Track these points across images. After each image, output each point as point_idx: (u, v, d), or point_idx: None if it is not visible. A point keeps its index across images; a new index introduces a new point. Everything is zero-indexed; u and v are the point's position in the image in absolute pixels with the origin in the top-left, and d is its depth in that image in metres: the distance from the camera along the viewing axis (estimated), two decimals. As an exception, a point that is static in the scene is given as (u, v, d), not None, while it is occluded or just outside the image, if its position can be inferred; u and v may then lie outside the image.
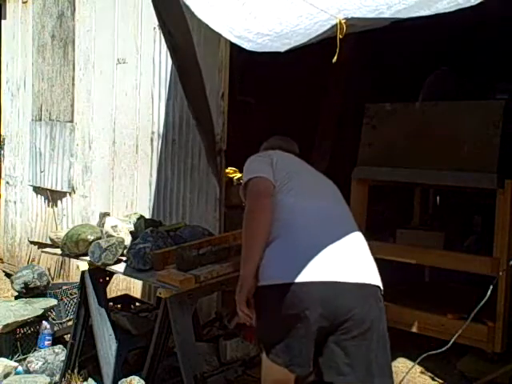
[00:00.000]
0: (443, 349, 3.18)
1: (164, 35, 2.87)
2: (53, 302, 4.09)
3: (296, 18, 2.21)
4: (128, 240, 3.11)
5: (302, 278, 2.10)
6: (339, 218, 2.38)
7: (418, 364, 3.76)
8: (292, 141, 2.84)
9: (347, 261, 2.20)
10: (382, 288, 2.27)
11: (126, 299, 3.93)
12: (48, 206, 5.68)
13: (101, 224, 3.33)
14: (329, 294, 2.12)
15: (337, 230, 2.28)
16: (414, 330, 3.92)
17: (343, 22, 1.98)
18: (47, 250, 3.69)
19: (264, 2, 2.35)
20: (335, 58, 2.06)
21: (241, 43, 2.13)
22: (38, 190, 5.83)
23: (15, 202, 6.16)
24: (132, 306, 3.85)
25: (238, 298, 2.23)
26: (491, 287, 3.24)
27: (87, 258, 3.09)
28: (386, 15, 2.16)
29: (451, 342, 3.18)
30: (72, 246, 3.16)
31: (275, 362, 2.21)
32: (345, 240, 2.25)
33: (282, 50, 2.06)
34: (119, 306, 3.79)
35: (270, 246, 2.25)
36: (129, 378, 2.83)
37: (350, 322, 2.12)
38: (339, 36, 1.99)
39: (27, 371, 3.50)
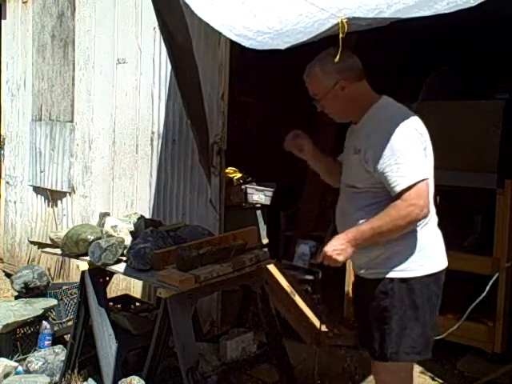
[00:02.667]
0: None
1: (162, 34, 2.87)
2: (53, 301, 4.09)
3: (296, 17, 2.21)
4: (128, 240, 3.11)
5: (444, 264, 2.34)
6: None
7: (418, 364, 3.77)
8: None
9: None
10: None
11: (126, 299, 3.93)
12: (48, 206, 5.68)
13: (101, 224, 3.33)
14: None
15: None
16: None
17: (345, 21, 1.98)
18: (47, 249, 3.69)
19: (264, 1, 2.36)
20: (337, 57, 2.06)
21: (241, 41, 2.13)
22: (38, 189, 5.83)
23: (15, 202, 6.16)
24: (132, 306, 3.84)
25: (345, 255, 2.23)
26: (490, 284, 3.25)
27: (87, 258, 3.09)
28: (386, 15, 2.16)
29: (444, 335, 3.19)
30: (72, 246, 3.16)
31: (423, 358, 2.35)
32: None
33: (283, 47, 2.06)
34: (119, 306, 3.79)
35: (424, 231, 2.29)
36: (129, 378, 2.83)
37: None
38: (341, 35, 1.99)
39: (27, 371, 3.50)
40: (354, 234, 2.23)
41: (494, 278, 3.42)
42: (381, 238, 2.21)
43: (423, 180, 2.15)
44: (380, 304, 2.28)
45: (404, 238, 2.24)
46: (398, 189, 2.14)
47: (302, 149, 2.54)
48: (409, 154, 2.15)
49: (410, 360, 2.35)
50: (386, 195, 2.21)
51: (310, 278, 2.42)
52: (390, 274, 2.26)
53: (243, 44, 2.12)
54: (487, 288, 3.24)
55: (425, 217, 2.19)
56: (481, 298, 3.24)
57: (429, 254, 2.29)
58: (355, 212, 2.31)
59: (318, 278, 2.50)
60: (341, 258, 2.23)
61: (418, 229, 2.26)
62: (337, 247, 2.22)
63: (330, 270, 2.33)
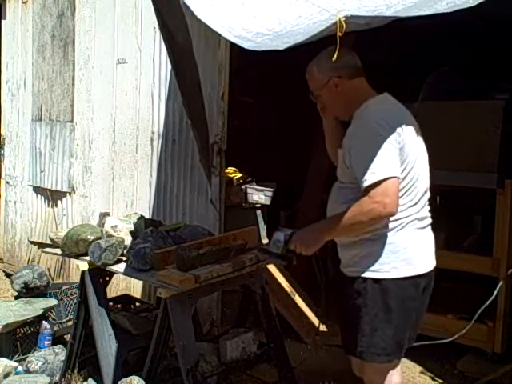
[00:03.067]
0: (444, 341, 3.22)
1: (162, 34, 2.87)
2: (53, 301, 4.09)
3: (295, 18, 2.21)
4: (128, 240, 3.11)
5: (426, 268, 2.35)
6: (427, 195, 2.41)
7: (418, 364, 3.77)
8: None
9: (432, 247, 2.48)
10: None
11: (125, 299, 3.93)
12: (48, 206, 5.68)
13: (101, 224, 3.33)
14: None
15: (426, 213, 2.41)
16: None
17: (343, 20, 1.99)
18: (47, 249, 3.68)
19: (263, 2, 2.36)
20: (335, 56, 2.06)
21: (240, 43, 2.14)
22: (37, 190, 5.83)
23: (15, 202, 6.16)
24: (132, 306, 3.84)
25: (313, 246, 2.32)
26: (497, 289, 3.24)
27: (87, 258, 3.09)
28: (386, 15, 2.16)
29: (453, 338, 3.19)
30: (72, 246, 3.16)
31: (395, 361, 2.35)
32: (428, 221, 2.43)
33: (282, 48, 2.06)
34: (119, 306, 3.79)
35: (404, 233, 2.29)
36: (129, 378, 2.83)
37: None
38: (339, 34, 1.99)
39: (27, 371, 3.50)
40: (323, 226, 2.33)
41: (501, 283, 3.41)
42: (347, 232, 2.27)
43: (391, 178, 2.13)
44: (354, 303, 2.31)
45: (380, 239, 2.25)
46: (365, 185, 2.15)
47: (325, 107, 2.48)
48: (379, 152, 2.14)
49: (380, 361, 2.32)
50: None
51: (283, 263, 2.47)
52: (364, 274, 2.28)
53: (242, 45, 2.13)
54: (495, 293, 3.22)
55: (390, 215, 2.16)
56: (489, 301, 3.23)
57: (405, 257, 2.27)
58: (341, 205, 2.31)
59: (293, 263, 2.54)
60: (309, 248, 2.32)
61: (395, 231, 2.26)
62: (306, 237, 2.33)
63: (303, 257, 2.38)
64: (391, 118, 2.22)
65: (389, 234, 2.25)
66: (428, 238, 2.41)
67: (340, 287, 2.46)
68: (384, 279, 2.25)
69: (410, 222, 2.28)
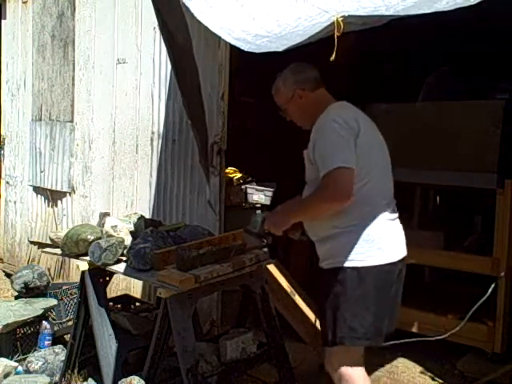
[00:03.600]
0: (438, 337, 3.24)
1: (162, 34, 2.87)
2: (53, 301, 4.09)
3: (295, 20, 2.22)
4: (128, 240, 3.11)
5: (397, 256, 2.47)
6: (392, 191, 2.57)
7: (418, 364, 3.77)
8: None
9: (402, 238, 2.58)
10: None
11: (125, 299, 3.93)
12: (48, 206, 5.68)
13: (101, 224, 3.33)
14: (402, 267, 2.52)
15: (394, 208, 2.56)
16: (414, 330, 3.92)
17: (340, 19, 2.00)
18: (47, 249, 3.69)
19: (262, 4, 2.36)
20: (333, 56, 2.07)
21: (239, 45, 2.15)
22: (38, 189, 5.83)
23: (15, 202, 6.16)
24: (132, 306, 3.84)
25: (280, 227, 2.52)
26: (492, 286, 3.25)
27: (87, 258, 3.09)
28: (385, 14, 2.16)
29: (444, 336, 3.20)
30: (72, 246, 3.16)
31: (374, 345, 2.48)
32: (396, 215, 2.56)
33: (281, 49, 2.07)
34: (119, 306, 3.79)
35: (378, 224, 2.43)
36: (129, 378, 2.83)
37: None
38: (337, 34, 2.00)
39: (27, 371, 3.50)
40: (289, 209, 2.55)
41: (496, 282, 3.41)
42: (308, 215, 2.50)
43: (342, 168, 2.28)
44: (333, 291, 2.44)
45: (354, 230, 2.40)
46: (321, 174, 2.34)
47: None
48: (330, 146, 2.34)
49: (360, 344, 2.47)
50: None
51: (259, 241, 2.67)
52: (342, 264, 2.42)
53: (242, 48, 2.14)
54: (489, 290, 3.24)
55: (342, 201, 2.31)
56: (483, 299, 3.24)
57: (379, 247, 2.41)
58: None
59: (268, 242, 2.71)
60: (277, 227, 2.53)
61: (368, 222, 2.41)
62: (275, 218, 2.56)
63: (275, 236, 2.60)
64: (347, 116, 2.41)
65: (362, 225, 2.40)
66: (398, 229, 2.56)
67: (319, 281, 2.58)
68: (361, 267, 2.39)
69: (379, 214, 2.44)
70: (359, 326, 2.40)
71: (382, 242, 2.42)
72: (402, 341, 3.31)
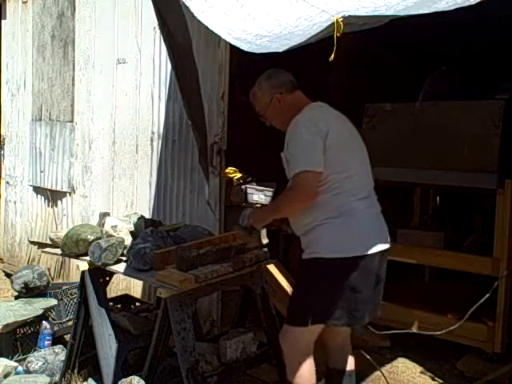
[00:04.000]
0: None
1: (162, 34, 2.87)
2: (53, 301, 4.09)
3: (295, 20, 2.21)
4: (128, 240, 3.11)
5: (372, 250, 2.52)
6: (371, 185, 2.68)
7: (418, 364, 3.77)
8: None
9: (383, 231, 2.65)
10: None
11: (125, 299, 3.93)
12: (48, 206, 5.68)
13: (101, 224, 3.33)
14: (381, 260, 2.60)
15: (374, 202, 2.65)
16: (414, 330, 3.92)
17: (340, 20, 2.00)
18: (47, 250, 3.69)
19: (263, 4, 2.36)
20: (332, 56, 2.07)
21: (240, 45, 2.14)
22: (38, 189, 5.83)
23: (15, 202, 6.16)
24: (132, 306, 3.85)
25: (260, 222, 2.67)
26: (494, 286, 3.25)
27: (87, 258, 3.09)
28: (385, 14, 2.16)
29: (439, 333, 3.21)
30: (72, 246, 3.16)
31: (335, 325, 2.60)
32: (376, 209, 2.64)
33: (281, 49, 2.07)
34: (119, 305, 3.79)
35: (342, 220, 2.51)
36: (129, 378, 2.83)
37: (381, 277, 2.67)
38: (336, 34, 2.00)
39: (27, 371, 3.50)
40: (268, 207, 2.79)
41: (497, 282, 3.41)
42: (282, 213, 2.64)
43: (304, 172, 2.41)
44: (310, 279, 2.59)
45: (330, 223, 2.51)
46: (291, 176, 2.49)
47: None
48: (297, 149, 2.47)
49: (319, 322, 2.59)
50: None
51: (247, 233, 2.76)
52: (319, 255, 2.53)
53: (242, 48, 2.13)
54: (490, 291, 3.25)
55: (308, 201, 2.46)
56: (483, 300, 3.25)
57: (357, 238, 2.51)
58: None
59: (252, 235, 2.78)
60: (257, 223, 2.67)
61: (345, 214, 2.50)
62: (256, 214, 2.71)
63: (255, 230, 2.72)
64: (316, 118, 2.52)
65: (341, 217, 2.50)
66: (378, 222, 2.63)
67: (300, 270, 2.74)
68: (339, 258, 2.49)
69: (359, 205, 2.52)
70: (330, 312, 2.53)
71: (360, 233, 2.51)
72: (397, 331, 3.38)
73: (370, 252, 2.50)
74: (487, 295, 3.28)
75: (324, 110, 2.64)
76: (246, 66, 3.92)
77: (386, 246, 2.60)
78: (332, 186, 2.49)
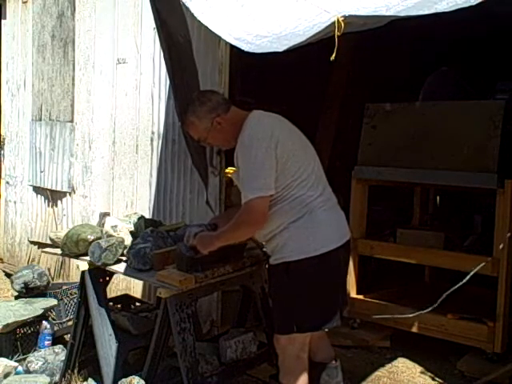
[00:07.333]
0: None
1: (160, 35, 2.85)
2: (53, 301, 4.09)
3: (295, 20, 2.22)
4: (128, 240, 3.11)
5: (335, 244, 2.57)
6: (323, 178, 2.70)
7: (418, 364, 3.78)
8: None
9: (343, 222, 2.71)
10: None
11: (125, 299, 3.93)
12: (48, 206, 5.68)
13: (101, 224, 3.33)
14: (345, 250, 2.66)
15: (329, 195, 2.67)
16: (414, 330, 3.92)
17: (341, 19, 2.00)
18: (47, 249, 3.69)
19: (263, 4, 2.36)
20: (333, 55, 2.07)
21: (240, 45, 2.15)
22: (38, 189, 5.83)
23: (15, 202, 6.16)
24: (132, 306, 3.84)
25: (207, 247, 2.65)
26: (467, 278, 3.27)
27: (87, 258, 3.09)
28: (385, 14, 2.16)
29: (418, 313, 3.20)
30: (72, 246, 3.16)
31: (327, 328, 2.62)
32: (333, 201, 2.67)
33: (281, 49, 2.07)
34: (119, 305, 3.79)
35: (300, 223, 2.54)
36: (129, 378, 2.83)
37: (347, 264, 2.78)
38: (337, 34, 2.00)
39: (27, 371, 3.50)
40: (217, 233, 2.68)
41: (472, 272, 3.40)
42: (232, 238, 2.64)
43: (254, 199, 2.41)
44: (277, 285, 2.65)
45: (292, 228, 2.53)
46: (242, 200, 2.49)
47: None
48: (247, 172, 2.46)
49: (304, 332, 2.60)
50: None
51: (188, 254, 2.73)
52: (286, 259, 2.55)
53: (242, 48, 2.14)
54: (467, 277, 3.28)
55: (256, 228, 2.52)
56: (455, 287, 3.27)
57: (320, 236, 2.54)
58: None
59: (195, 257, 2.74)
60: (203, 248, 2.65)
61: (305, 216, 2.53)
62: (204, 239, 2.66)
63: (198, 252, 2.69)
64: (262, 132, 2.47)
65: (301, 220, 2.52)
66: (337, 214, 2.67)
67: (270, 277, 2.77)
68: (305, 258, 2.51)
69: (316, 205, 2.55)
70: (307, 315, 2.57)
71: (323, 231, 2.55)
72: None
73: (335, 246, 2.55)
74: (462, 282, 3.29)
75: (266, 117, 2.60)
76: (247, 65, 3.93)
77: (347, 237, 2.66)
78: (290, 193, 2.51)
